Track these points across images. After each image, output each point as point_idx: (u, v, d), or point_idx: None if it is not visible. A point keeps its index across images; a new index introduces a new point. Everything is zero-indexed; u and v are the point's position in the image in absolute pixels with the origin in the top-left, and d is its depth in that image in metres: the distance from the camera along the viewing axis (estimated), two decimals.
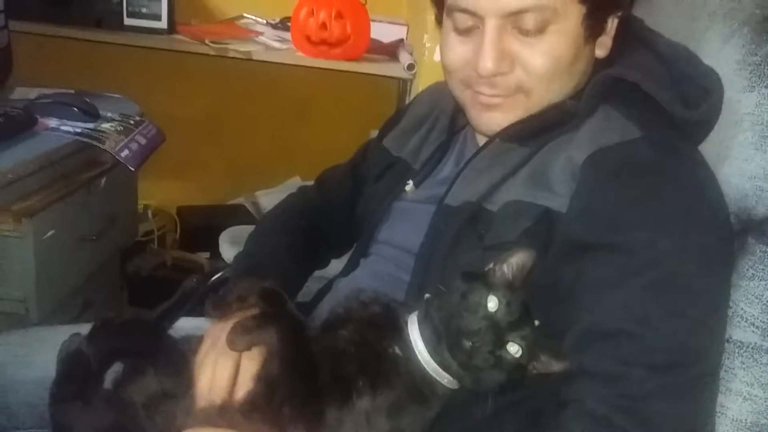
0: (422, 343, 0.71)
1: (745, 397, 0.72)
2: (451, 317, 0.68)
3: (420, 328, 0.71)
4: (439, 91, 1.03)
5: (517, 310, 0.68)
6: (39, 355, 0.90)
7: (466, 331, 0.67)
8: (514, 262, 0.71)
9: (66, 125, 1.32)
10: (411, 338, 0.71)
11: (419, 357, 0.71)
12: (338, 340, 0.73)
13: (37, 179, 1.20)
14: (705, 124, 0.81)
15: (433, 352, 0.70)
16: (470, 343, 0.66)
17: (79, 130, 1.31)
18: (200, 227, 2.16)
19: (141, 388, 0.76)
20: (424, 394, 0.71)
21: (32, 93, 1.48)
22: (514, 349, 0.67)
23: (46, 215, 1.18)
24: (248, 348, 0.72)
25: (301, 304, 1.01)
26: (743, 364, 0.73)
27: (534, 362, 0.69)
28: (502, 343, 0.67)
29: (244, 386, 0.72)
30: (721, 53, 0.84)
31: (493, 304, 0.67)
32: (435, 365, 0.70)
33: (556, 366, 0.68)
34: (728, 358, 0.73)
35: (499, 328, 0.66)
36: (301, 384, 0.70)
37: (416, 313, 0.73)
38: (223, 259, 1.41)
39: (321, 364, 0.71)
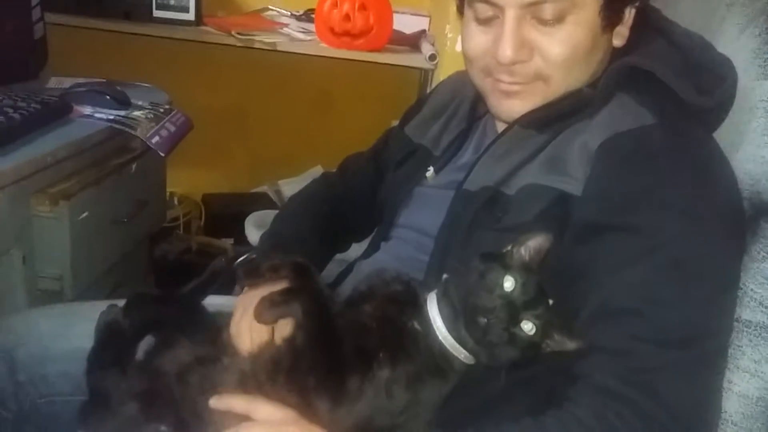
0: (441, 320, 0.74)
1: (752, 373, 0.74)
2: (469, 295, 0.71)
3: (439, 306, 0.75)
4: (460, 80, 1.05)
5: (532, 290, 0.71)
6: (75, 328, 0.94)
7: (481, 309, 0.70)
8: (531, 245, 0.73)
9: (99, 113, 1.36)
10: (430, 315, 0.75)
11: (438, 333, 0.74)
12: (361, 315, 0.77)
13: (72, 164, 1.24)
14: (719, 111, 0.83)
15: (451, 329, 0.73)
16: (485, 320, 0.69)
17: (111, 117, 1.35)
18: (224, 214, 2.21)
19: (173, 359, 0.80)
20: (441, 369, 0.74)
21: (66, 82, 1.52)
22: (528, 327, 0.69)
23: (81, 198, 1.22)
24: (275, 321, 0.76)
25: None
26: (751, 342, 0.75)
27: (548, 340, 0.71)
28: (516, 321, 0.69)
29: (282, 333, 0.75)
30: (737, 42, 0.85)
31: (509, 283, 0.70)
32: (452, 341, 0.73)
33: (570, 345, 0.71)
34: (737, 337, 0.75)
35: (514, 306, 0.69)
36: (325, 356, 0.73)
37: (435, 291, 0.76)
38: (248, 243, 1.45)
39: (344, 338, 0.74)
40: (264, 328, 0.76)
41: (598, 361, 0.70)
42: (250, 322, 0.77)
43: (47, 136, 1.20)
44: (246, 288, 0.82)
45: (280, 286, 0.77)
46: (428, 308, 0.75)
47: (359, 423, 0.72)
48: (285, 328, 0.76)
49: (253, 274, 0.81)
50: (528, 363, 0.72)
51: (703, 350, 0.70)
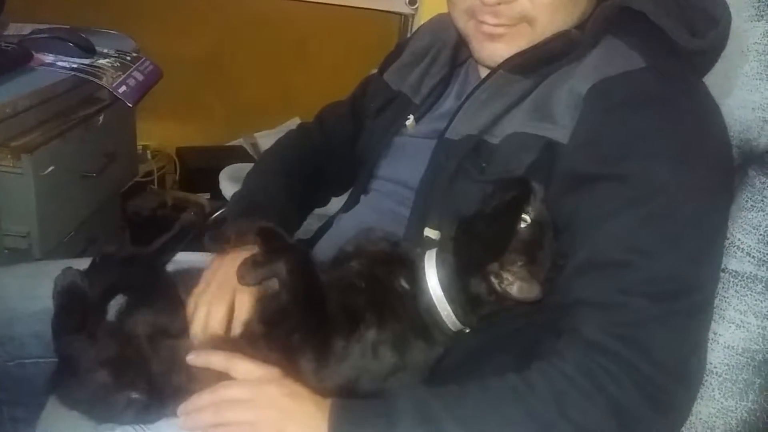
0: (436, 279, 0.72)
1: (738, 324, 0.73)
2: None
3: (436, 263, 0.72)
4: (442, 24, 1.00)
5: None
6: (44, 287, 0.89)
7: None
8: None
9: (62, 61, 1.30)
10: (425, 274, 0.73)
11: (432, 293, 0.72)
12: (348, 274, 0.75)
13: (34, 115, 1.18)
14: (711, 54, 0.79)
15: (446, 287, 0.72)
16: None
17: (75, 66, 1.29)
18: (200, 168, 2.16)
19: (144, 321, 0.77)
20: (429, 331, 0.73)
21: (26, 28, 1.45)
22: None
23: (46, 151, 1.17)
24: (259, 282, 0.73)
25: (302, 241, 1.01)
26: (737, 293, 0.74)
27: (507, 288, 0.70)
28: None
29: (239, 323, 0.74)
30: None
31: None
32: (445, 303, 0.72)
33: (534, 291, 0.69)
34: (723, 287, 0.74)
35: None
36: (310, 314, 0.71)
37: (436, 249, 0.74)
38: (224, 198, 1.41)
39: (330, 297, 0.72)
40: (223, 304, 0.74)
41: (585, 315, 0.68)
42: (211, 297, 0.75)
43: (6, 85, 1.14)
44: (214, 255, 0.80)
45: (248, 251, 0.74)
46: (425, 267, 0.73)
47: (344, 385, 0.70)
48: (242, 309, 0.74)
49: (220, 241, 0.79)
50: (506, 320, 0.71)
51: (691, 302, 0.69)
